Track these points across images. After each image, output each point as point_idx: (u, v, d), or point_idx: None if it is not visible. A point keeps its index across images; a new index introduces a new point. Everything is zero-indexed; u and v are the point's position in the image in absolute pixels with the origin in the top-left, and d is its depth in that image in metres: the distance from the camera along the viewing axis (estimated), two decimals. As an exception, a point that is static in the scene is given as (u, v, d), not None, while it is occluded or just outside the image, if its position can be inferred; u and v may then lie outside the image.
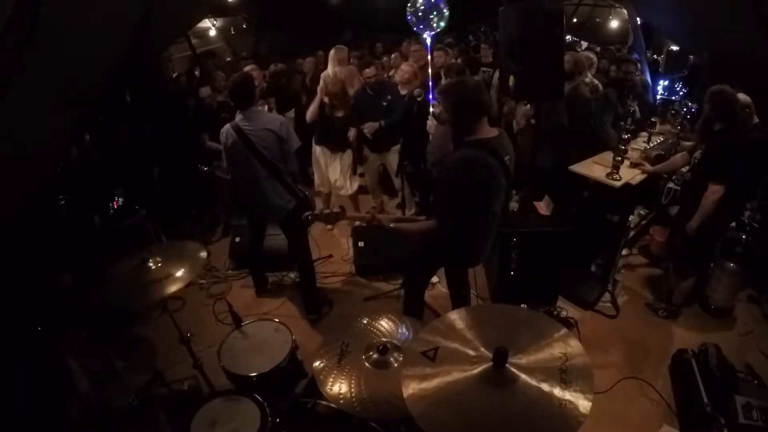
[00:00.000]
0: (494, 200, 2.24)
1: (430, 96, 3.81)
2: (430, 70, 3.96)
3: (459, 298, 2.76)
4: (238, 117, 2.81)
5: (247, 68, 4.16)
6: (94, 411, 2.20)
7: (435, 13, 3.74)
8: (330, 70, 4.65)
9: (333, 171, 4.25)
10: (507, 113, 4.40)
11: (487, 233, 2.42)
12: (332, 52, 4.67)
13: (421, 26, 3.80)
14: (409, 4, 3.82)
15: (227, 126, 2.84)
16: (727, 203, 2.75)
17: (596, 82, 4.39)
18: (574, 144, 3.85)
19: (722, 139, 2.74)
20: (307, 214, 2.22)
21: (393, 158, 4.22)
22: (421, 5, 3.74)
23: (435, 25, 3.78)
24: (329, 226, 4.50)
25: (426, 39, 3.94)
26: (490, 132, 2.17)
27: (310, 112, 4.05)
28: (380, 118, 4.03)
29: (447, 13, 3.79)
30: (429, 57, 4.02)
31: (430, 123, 3.63)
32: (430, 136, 3.66)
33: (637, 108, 3.52)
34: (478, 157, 2.10)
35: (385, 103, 4.04)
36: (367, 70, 4.06)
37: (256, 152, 2.78)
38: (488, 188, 2.17)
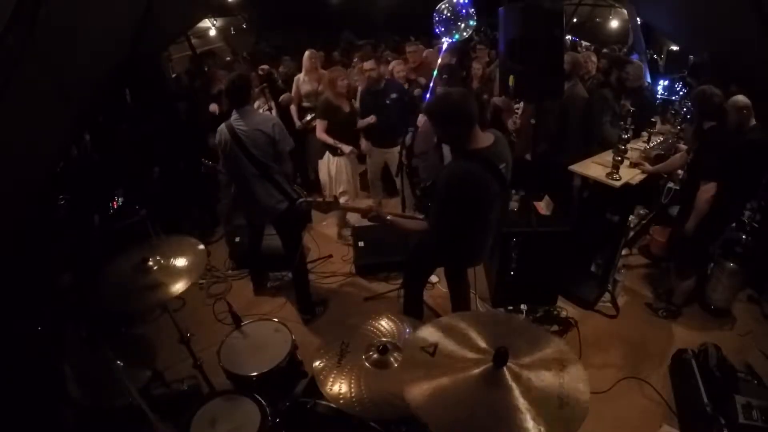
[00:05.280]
0: (486, 210, 2.25)
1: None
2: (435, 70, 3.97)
3: (459, 298, 2.76)
4: (233, 117, 2.82)
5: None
6: (86, 415, 2.19)
7: (462, 20, 3.78)
8: (303, 74, 4.69)
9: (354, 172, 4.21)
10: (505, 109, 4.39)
11: (482, 238, 2.42)
12: (307, 54, 4.69)
13: (445, 31, 3.85)
14: (435, 11, 3.86)
15: (222, 125, 2.86)
16: (721, 202, 2.76)
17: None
18: (572, 144, 3.85)
19: (713, 137, 2.77)
20: (300, 200, 2.23)
21: (395, 156, 4.22)
22: (448, 12, 3.77)
23: (461, 31, 3.83)
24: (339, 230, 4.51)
25: (444, 43, 3.98)
26: (484, 140, 2.14)
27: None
28: (385, 115, 4.03)
29: (473, 22, 3.86)
30: (439, 59, 4.03)
31: (421, 118, 3.68)
32: (418, 130, 3.72)
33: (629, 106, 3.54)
34: (470, 170, 2.09)
35: (388, 101, 4.04)
36: (366, 63, 4.05)
37: (247, 152, 2.79)
38: (479, 200, 2.17)
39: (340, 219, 4.42)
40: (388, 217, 2.30)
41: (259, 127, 2.79)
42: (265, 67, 4.95)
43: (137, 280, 1.97)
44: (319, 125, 3.87)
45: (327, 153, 4.03)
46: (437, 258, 2.60)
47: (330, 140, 3.84)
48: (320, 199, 2.23)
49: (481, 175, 2.09)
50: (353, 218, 4.43)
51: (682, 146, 3.76)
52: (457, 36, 3.88)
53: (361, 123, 4.04)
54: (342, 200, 3.44)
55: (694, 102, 2.96)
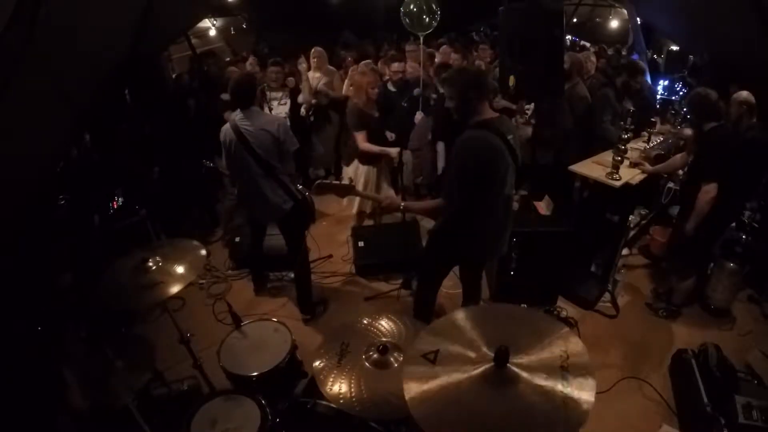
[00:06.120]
0: (501, 179, 2.26)
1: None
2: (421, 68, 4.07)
3: (471, 298, 2.76)
4: (238, 117, 2.82)
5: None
6: (85, 415, 2.19)
7: (427, 12, 3.88)
8: (313, 72, 4.70)
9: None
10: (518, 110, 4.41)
11: (499, 220, 2.39)
12: (317, 53, 4.69)
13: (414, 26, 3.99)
14: (402, 6, 3.95)
15: (226, 125, 2.86)
16: (722, 202, 2.75)
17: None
18: (573, 144, 3.85)
19: (714, 138, 2.76)
20: (318, 181, 2.28)
21: (406, 157, 4.22)
22: (414, 7, 3.87)
23: (426, 24, 3.93)
24: (344, 201, 4.42)
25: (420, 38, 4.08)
26: (491, 113, 2.25)
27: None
28: (399, 118, 3.99)
29: (438, 13, 3.94)
30: (420, 56, 4.16)
31: (418, 115, 3.76)
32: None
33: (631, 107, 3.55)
34: (483, 136, 2.17)
35: (405, 104, 4.02)
36: (395, 65, 4.03)
37: (252, 152, 2.80)
38: (493, 165, 2.20)
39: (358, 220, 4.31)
40: (401, 204, 2.44)
41: (264, 128, 2.79)
42: (291, 79, 4.92)
43: (137, 280, 1.96)
44: (360, 137, 3.58)
45: (356, 161, 3.81)
46: (456, 251, 2.53)
47: (376, 149, 3.58)
48: (337, 182, 2.26)
49: (494, 141, 2.17)
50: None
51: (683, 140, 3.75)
52: (421, 29, 3.99)
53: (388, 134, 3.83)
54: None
55: (692, 106, 2.91)
